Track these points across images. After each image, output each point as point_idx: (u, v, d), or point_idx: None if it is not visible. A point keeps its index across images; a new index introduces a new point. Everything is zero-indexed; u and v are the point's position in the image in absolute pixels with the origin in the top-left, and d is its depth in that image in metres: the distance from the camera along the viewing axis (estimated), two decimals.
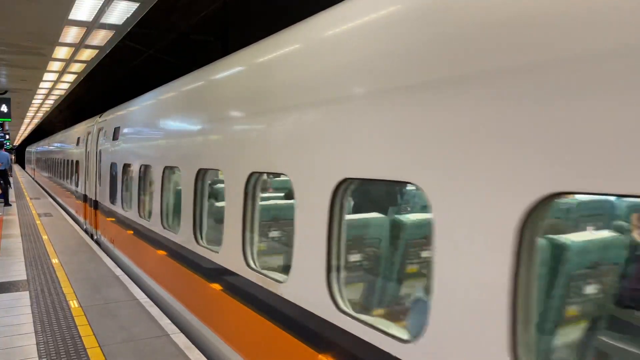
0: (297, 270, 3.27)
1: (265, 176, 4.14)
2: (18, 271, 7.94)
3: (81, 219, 13.22)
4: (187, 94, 5.91)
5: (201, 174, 5.05)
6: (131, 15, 9.07)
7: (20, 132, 54.62)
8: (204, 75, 5.52)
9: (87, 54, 12.67)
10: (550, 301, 2.51)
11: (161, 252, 6.26)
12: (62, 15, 8.91)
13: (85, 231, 12.24)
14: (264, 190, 4.90)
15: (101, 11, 8.80)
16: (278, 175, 4.13)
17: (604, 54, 1.63)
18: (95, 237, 11.17)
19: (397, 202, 4.73)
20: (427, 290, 2.26)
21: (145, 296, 6.58)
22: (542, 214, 1.83)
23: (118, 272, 7.89)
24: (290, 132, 3.45)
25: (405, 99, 2.42)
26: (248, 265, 4.05)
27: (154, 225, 6.54)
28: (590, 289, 2.70)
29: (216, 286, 4.58)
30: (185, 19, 13.37)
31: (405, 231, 3.50)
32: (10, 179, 19.89)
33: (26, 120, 38.20)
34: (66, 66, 14.22)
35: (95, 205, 11.03)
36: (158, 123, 6.93)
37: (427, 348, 2.23)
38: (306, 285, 3.17)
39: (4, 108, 17.58)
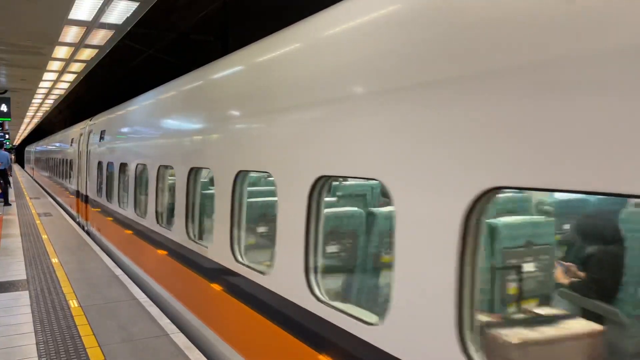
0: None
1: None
2: (18, 271, 7.94)
3: (74, 212, 14.57)
4: (159, 103, 7.39)
5: (161, 169, 6.60)
6: (131, 15, 9.07)
7: (20, 131, 54.64)
8: (173, 87, 6.79)
9: (86, 54, 12.67)
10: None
11: (128, 232, 8.05)
12: (62, 14, 8.90)
13: (78, 224, 13.38)
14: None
15: (101, 11, 8.79)
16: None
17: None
18: (85, 228, 12.55)
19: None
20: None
21: (145, 296, 6.59)
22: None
23: (118, 271, 7.89)
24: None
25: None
26: (189, 236, 5.40)
27: (129, 213, 8.00)
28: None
29: (163, 253, 6.35)
30: (185, 19, 13.36)
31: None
32: (10, 179, 19.89)
33: (26, 120, 38.21)
34: (66, 66, 14.22)
35: (86, 199, 12.48)
36: (134, 127, 8.51)
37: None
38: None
39: (4, 107, 17.57)
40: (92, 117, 13.41)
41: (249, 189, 4.57)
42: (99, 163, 10.78)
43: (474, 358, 2.09)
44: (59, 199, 19.22)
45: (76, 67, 14.54)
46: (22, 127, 46.81)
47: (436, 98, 2.28)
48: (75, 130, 15.59)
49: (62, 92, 20.76)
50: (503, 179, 1.98)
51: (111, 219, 9.49)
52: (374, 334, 2.58)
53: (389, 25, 2.72)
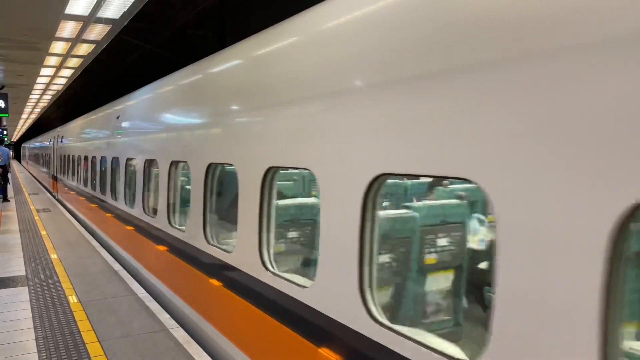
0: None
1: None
2: (17, 267, 7.94)
3: (51, 189, 22.14)
4: (97, 117, 11.87)
5: (90, 157, 11.42)
6: (127, 10, 9.03)
7: (18, 127, 54.48)
8: (123, 101, 9.57)
9: (84, 49, 12.63)
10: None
11: (72, 193, 14.97)
12: (59, 9, 8.86)
13: (53, 197, 19.86)
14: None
15: (97, 5, 8.76)
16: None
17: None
18: (56, 197, 19.38)
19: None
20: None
21: (144, 291, 6.60)
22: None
23: (117, 267, 7.90)
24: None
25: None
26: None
27: (75, 182, 14.29)
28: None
29: (94, 205, 10.50)
30: (182, 14, 13.30)
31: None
32: (9, 175, 19.87)
33: (24, 116, 38.12)
34: (63, 61, 14.17)
35: (56, 179, 19.93)
36: (79, 133, 14.23)
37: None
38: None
39: (1, 103, 17.52)
40: (62, 125, 20.58)
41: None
42: (61, 155, 17.83)
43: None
44: (42, 181, 27.98)
45: (73, 62, 14.49)
46: (20, 122, 46.68)
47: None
48: (52, 134, 23.28)
49: (59, 87, 20.70)
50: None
51: (66, 188, 16.44)
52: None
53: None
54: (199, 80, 5.60)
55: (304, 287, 3.27)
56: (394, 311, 3.92)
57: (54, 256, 8.72)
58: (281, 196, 5.00)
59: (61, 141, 17.69)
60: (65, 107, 35.55)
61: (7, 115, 18.58)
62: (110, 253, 8.94)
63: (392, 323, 2.60)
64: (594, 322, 1.64)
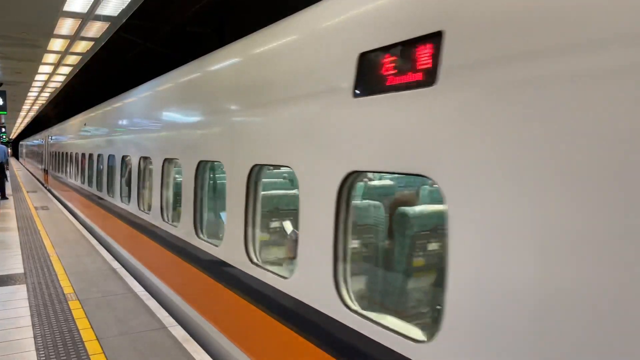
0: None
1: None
2: (15, 264, 7.93)
3: (42, 181, 26.15)
4: (78, 121, 14.88)
5: (70, 153, 15.09)
6: (126, 7, 9.01)
7: (16, 125, 54.36)
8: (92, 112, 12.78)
9: (82, 46, 12.59)
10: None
11: (57, 182, 19.00)
12: (57, 6, 8.84)
13: (44, 187, 23.66)
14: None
15: (96, 2, 8.73)
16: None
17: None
18: (47, 187, 23.22)
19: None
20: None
21: (143, 289, 6.59)
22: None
23: (115, 265, 7.89)
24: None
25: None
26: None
27: (59, 173, 17.77)
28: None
29: (76, 194, 13.89)
30: (181, 11, 13.26)
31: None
32: (7, 173, 19.83)
33: (22, 114, 38.03)
34: (61, 58, 14.13)
35: (46, 172, 24.22)
36: (63, 134, 17.48)
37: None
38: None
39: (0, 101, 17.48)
40: (51, 127, 24.94)
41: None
42: (50, 152, 22.15)
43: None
44: (35, 174, 32.58)
45: (72, 59, 14.45)
46: (19, 120, 46.57)
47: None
48: (44, 134, 27.13)
49: (58, 85, 20.66)
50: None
51: (53, 178, 20.79)
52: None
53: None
54: (140, 100, 7.84)
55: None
56: None
57: (52, 254, 8.71)
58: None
59: (50, 140, 22.36)
60: (64, 104, 35.47)
61: (5, 112, 18.55)
62: (75, 217, 13.56)
63: None
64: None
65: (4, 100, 17.59)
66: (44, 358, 4.45)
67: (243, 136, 4.11)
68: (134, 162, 7.55)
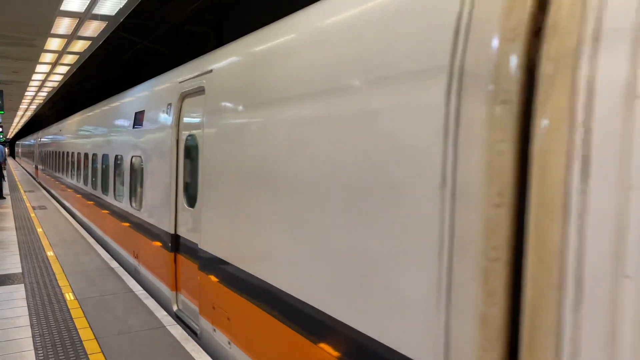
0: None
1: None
2: (13, 264, 7.92)
3: (34, 174, 30.33)
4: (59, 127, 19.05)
5: (54, 151, 18.80)
6: (124, 6, 8.98)
7: (14, 124, 54.21)
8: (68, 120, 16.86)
9: (79, 46, 12.56)
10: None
11: (44, 174, 23.64)
12: (54, 5, 8.82)
13: (34, 179, 28.55)
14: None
15: (93, 2, 8.71)
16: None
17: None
18: (37, 180, 26.88)
19: None
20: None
21: (141, 288, 6.59)
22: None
23: (114, 264, 7.88)
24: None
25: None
26: (61, 173, 16.67)
27: (46, 167, 22.31)
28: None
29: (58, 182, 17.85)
30: (178, 9, 13.24)
31: None
32: (4, 172, 19.80)
33: (19, 113, 37.92)
34: (59, 58, 14.10)
35: (37, 168, 28.07)
36: (48, 136, 22.30)
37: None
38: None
39: None
40: (42, 129, 29.28)
41: None
42: (40, 151, 25.68)
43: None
44: (28, 170, 36.40)
45: (69, 59, 14.41)
46: (16, 119, 46.46)
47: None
48: (35, 136, 31.26)
49: (55, 84, 20.61)
50: None
51: (41, 171, 25.13)
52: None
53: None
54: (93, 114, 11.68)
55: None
56: None
57: (50, 253, 8.70)
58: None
59: (39, 141, 26.80)
60: (62, 103, 35.38)
61: (2, 112, 18.49)
62: (53, 197, 18.54)
63: None
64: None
65: (1, 99, 17.53)
66: (42, 357, 4.45)
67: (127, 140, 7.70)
68: (88, 156, 11.34)
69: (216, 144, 4.27)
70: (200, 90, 4.83)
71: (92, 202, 10.64)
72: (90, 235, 10.51)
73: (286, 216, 3.15)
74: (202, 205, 4.53)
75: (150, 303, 5.94)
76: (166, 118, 5.79)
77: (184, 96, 5.34)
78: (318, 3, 3.25)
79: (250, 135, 3.69)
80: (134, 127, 7.25)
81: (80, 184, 12.26)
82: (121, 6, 9.00)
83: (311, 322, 2.89)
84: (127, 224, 7.52)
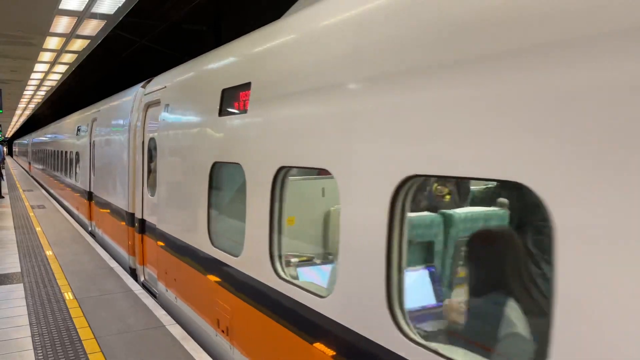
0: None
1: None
2: (12, 263, 7.91)
3: (28, 170, 34.99)
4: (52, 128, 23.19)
5: (46, 150, 23.13)
6: (122, 5, 8.96)
7: (12, 124, 54.13)
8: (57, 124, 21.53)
9: (78, 44, 12.53)
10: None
11: (35, 168, 30.36)
12: (52, 4, 8.79)
13: (27, 173, 33.95)
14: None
15: (92, 0, 8.69)
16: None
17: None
18: (30, 174, 31.93)
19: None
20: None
21: (140, 288, 6.59)
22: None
23: (113, 264, 7.88)
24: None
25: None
26: (45, 166, 22.97)
27: (37, 163, 28.94)
28: None
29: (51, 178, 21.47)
30: (177, 8, 13.22)
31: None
32: (3, 172, 19.78)
33: (18, 112, 37.87)
34: (57, 57, 14.06)
35: (30, 164, 34.84)
36: (41, 137, 27.09)
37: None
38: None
39: None
40: (35, 131, 34.29)
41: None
42: (33, 151, 31.38)
43: None
44: (24, 166, 41.66)
45: (68, 58, 14.38)
46: (14, 119, 46.38)
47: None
48: (30, 137, 35.91)
49: (54, 83, 20.57)
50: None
51: (33, 166, 32.03)
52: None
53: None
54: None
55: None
56: None
57: (49, 253, 8.69)
58: None
59: (32, 141, 31.90)
60: (60, 102, 35.36)
61: (0, 111, 18.45)
62: (39, 184, 23.71)
63: None
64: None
65: (0, 98, 17.49)
66: (42, 357, 4.45)
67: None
68: (62, 153, 15.52)
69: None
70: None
71: (74, 192, 13.48)
72: (61, 206, 15.51)
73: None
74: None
75: (150, 302, 5.94)
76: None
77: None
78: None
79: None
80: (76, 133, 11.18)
81: (57, 173, 16.98)
82: (120, 5, 8.97)
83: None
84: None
